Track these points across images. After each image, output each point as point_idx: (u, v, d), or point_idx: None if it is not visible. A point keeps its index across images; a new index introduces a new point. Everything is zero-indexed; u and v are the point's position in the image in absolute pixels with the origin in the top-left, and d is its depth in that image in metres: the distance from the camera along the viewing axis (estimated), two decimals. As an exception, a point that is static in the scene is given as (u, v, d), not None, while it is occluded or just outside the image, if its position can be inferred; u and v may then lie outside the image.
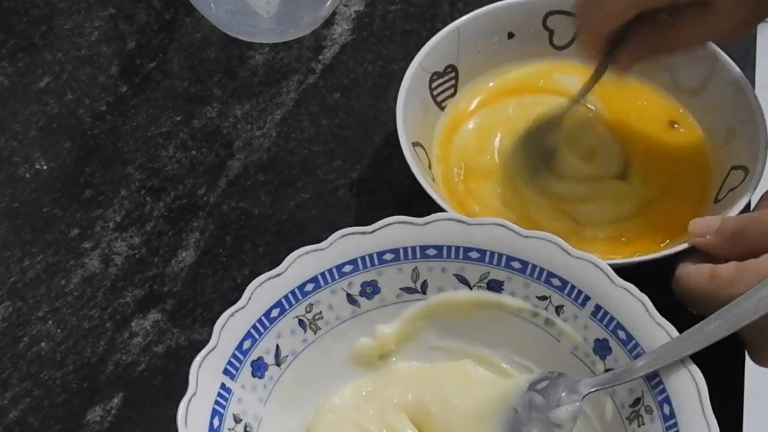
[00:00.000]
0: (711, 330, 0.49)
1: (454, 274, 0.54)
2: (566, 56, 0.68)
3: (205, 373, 0.49)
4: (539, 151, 0.64)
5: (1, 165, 0.67)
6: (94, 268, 0.62)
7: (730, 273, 0.51)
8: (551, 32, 0.67)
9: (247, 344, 0.52)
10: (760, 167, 0.58)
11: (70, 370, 0.58)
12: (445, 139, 0.65)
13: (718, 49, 0.63)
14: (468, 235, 0.54)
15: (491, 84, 0.68)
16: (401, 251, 0.54)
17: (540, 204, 0.62)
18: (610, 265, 0.52)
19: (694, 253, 0.54)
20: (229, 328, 0.51)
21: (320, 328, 0.54)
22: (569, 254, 0.52)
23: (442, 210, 0.56)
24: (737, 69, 0.63)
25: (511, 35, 0.67)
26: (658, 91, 0.67)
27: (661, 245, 0.60)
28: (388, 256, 0.54)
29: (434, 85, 0.65)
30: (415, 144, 0.61)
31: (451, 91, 0.66)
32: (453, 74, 0.66)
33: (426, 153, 0.62)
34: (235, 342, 0.51)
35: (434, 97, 0.65)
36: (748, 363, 0.56)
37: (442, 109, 0.65)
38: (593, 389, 0.51)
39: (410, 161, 0.58)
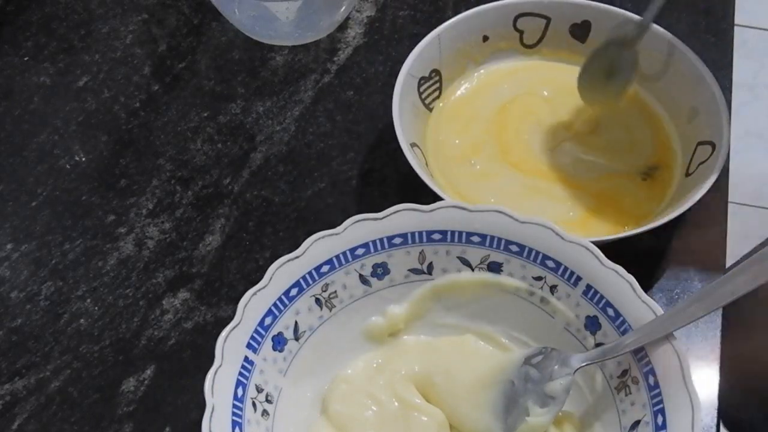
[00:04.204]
0: (692, 310, 0.48)
1: (457, 257, 0.54)
2: (535, 54, 0.68)
3: (230, 347, 0.49)
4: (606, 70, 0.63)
5: (43, 157, 0.67)
6: (129, 251, 0.62)
7: None
8: (521, 33, 0.67)
9: (268, 320, 0.51)
10: (726, 141, 0.58)
11: (106, 345, 0.58)
12: (434, 137, 0.65)
13: (675, 38, 0.63)
14: (470, 221, 0.53)
15: (469, 85, 0.67)
16: (409, 236, 0.54)
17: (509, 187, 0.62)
18: (597, 242, 0.52)
19: None
20: (252, 305, 0.51)
21: (335, 306, 0.54)
22: (562, 238, 0.52)
23: (443, 199, 0.56)
24: (693, 54, 0.62)
25: (485, 38, 0.66)
26: None
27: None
28: (397, 240, 0.54)
29: (422, 89, 0.64)
30: (413, 145, 0.61)
31: (437, 93, 0.65)
32: (437, 77, 0.65)
33: (422, 152, 0.62)
34: (257, 318, 0.51)
35: (423, 100, 0.64)
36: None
37: (430, 110, 0.65)
38: (584, 363, 0.50)
39: (411, 160, 0.58)
